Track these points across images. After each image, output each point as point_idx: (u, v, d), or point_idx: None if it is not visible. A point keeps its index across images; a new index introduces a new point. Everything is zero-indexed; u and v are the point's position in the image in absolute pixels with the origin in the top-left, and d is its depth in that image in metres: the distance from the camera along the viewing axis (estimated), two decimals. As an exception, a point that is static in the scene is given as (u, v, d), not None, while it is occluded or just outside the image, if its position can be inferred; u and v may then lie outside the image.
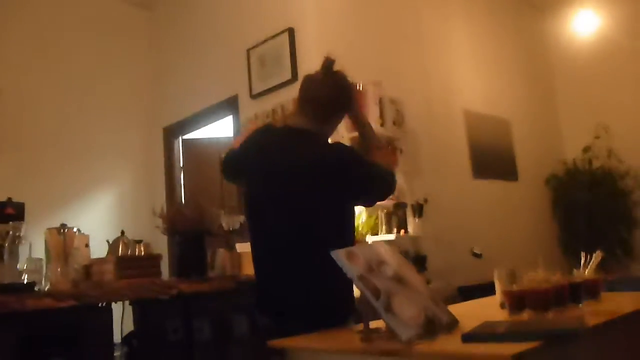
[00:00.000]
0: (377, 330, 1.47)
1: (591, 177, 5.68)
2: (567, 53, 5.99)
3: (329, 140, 2.07)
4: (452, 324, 1.52)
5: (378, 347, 1.36)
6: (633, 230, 5.56)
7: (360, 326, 1.52)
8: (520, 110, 5.74)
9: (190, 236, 2.60)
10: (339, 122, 2.09)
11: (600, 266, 2.10)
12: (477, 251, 3.08)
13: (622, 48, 5.71)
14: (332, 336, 1.59)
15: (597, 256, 2.10)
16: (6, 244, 2.38)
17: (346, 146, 2.05)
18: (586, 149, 5.74)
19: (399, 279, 1.54)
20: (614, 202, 5.53)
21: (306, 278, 1.86)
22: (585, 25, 4.86)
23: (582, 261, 2.10)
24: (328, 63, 2.00)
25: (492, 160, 5.26)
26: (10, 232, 2.41)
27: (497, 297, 2.00)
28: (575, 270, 2.06)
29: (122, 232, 2.98)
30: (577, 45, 5.32)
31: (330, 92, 1.99)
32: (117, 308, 2.65)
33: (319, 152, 1.91)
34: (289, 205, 1.89)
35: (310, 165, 1.88)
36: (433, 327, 1.41)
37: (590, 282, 1.91)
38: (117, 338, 2.69)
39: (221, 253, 2.86)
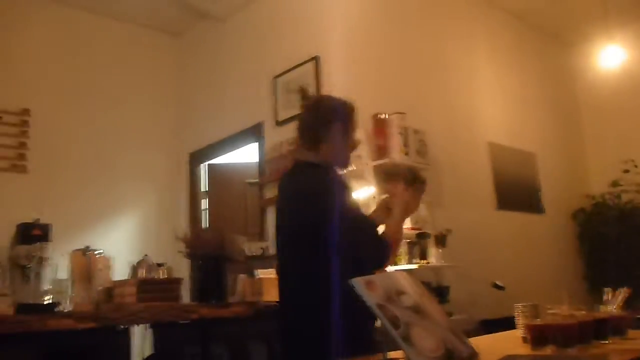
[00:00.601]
0: (395, 360, 1.45)
1: (619, 212, 5.58)
2: (594, 87, 5.96)
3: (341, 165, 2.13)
4: (473, 357, 1.49)
5: (396, 378, 1.34)
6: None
7: (379, 356, 1.50)
8: (546, 143, 5.70)
9: (210, 261, 2.61)
10: (335, 137, 2.04)
11: (628, 304, 2.05)
12: (499, 283, 3.03)
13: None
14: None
15: (623, 292, 2.06)
16: (32, 265, 2.42)
17: (323, 183, 2.00)
18: (614, 184, 5.65)
19: (418, 310, 1.52)
20: (643, 239, 5.42)
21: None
22: (611, 59, 4.82)
23: (607, 297, 2.06)
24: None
25: (517, 192, 5.20)
26: (37, 254, 2.45)
27: (519, 331, 1.97)
28: (600, 307, 2.01)
29: (145, 256, 3.01)
30: (604, 79, 5.28)
31: (307, 113, 2.13)
32: (138, 331, 2.67)
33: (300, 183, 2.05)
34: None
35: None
36: (452, 359, 1.39)
37: (616, 319, 1.87)
38: (136, 361, 2.70)
39: (242, 279, 2.87)
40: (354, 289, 1.46)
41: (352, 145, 2.10)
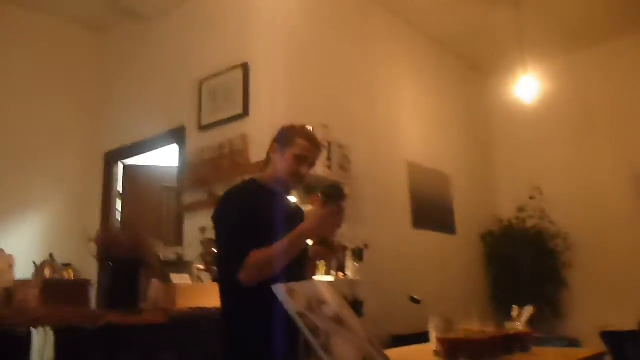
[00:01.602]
0: (313, 370, 1.44)
1: (524, 236, 5.88)
2: (508, 115, 6.29)
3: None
4: (389, 368, 1.51)
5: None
6: (560, 290, 5.77)
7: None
8: (461, 166, 5.94)
9: (124, 265, 2.50)
10: (274, 158, 2.14)
11: (531, 322, 2.16)
12: (416, 297, 3.10)
13: (559, 115, 6.05)
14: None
15: (528, 311, 2.16)
16: None
17: (228, 196, 2.10)
18: (521, 209, 5.96)
19: (338, 320, 1.52)
20: (544, 262, 5.73)
21: None
22: (525, 90, 5.11)
23: (514, 314, 2.16)
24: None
25: (432, 212, 5.37)
26: None
27: (432, 344, 2.02)
28: (507, 323, 2.10)
29: (51, 256, 2.85)
30: (517, 109, 5.58)
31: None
32: (38, 336, 2.50)
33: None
34: None
35: None
36: (370, 370, 1.40)
37: (522, 335, 1.96)
38: (34, 368, 2.52)
39: (155, 285, 2.76)
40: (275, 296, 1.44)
41: (292, 168, 2.09)
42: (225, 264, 2.05)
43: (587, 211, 5.78)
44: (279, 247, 1.90)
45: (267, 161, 2.18)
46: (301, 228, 1.93)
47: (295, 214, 2.23)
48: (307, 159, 2.12)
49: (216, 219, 2.06)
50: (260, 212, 2.01)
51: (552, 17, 5.51)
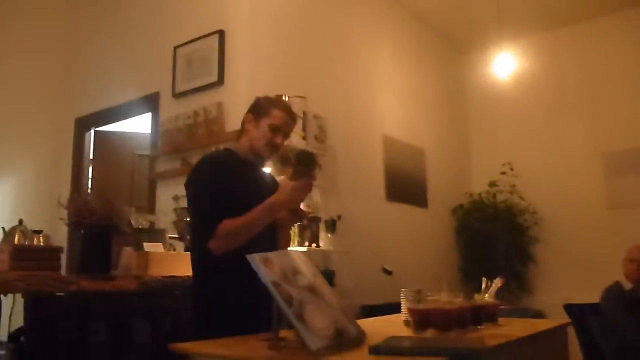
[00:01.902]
0: (285, 339, 1.46)
1: (494, 211, 5.98)
2: (484, 92, 6.33)
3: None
4: (360, 336, 1.54)
5: (286, 356, 1.35)
6: (527, 264, 5.91)
7: (269, 334, 1.50)
8: (436, 140, 5.99)
9: (96, 231, 2.47)
10: (247, 128, 2.16)
11: (498, 294, 2.21)
12: (388, 268, 3.15)
13: (533, 92, 6.12)
14: (238, 343, 1.56)
15: (497, 283, 2.21)
16: None
17: (201, 165, 2.11)
18: (492, 184, 6.05)
19: (312, 289, 1.54)
20: (512, 237, 5.85)
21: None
22: (502, 68, 5.14)
23: (483, 286, 2.21)
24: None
25: (405, 185, 5.42)
26: None
27: (402, 315, 2.06)
28: (476, 295, 2.15)
29: (20, 221, 2.80)
30: (493, 86, 5.62)
31: None
32: (7, 302, 2.48)
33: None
34: None
35: None
36: (342, 339, 1.42)
37: (490, 307, 2.01)
38: (3, 334, 2.51)
39: (127, 252, 2.74)
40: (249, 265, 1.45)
41: (266, 138, 2.10)
42: (196, 232, 2.06)
43: (557, 187, 5.90)
44: (250, 217, 1.91)
45: (242, 131, 2.19)
46: (272, 199, 1.93)
47: (270, 185, 2.23)
48: (281, 129, 2.13)
49: (189, 186, 2.07)
50: (233, 182, 2.01)
51: (529, -6, 5.53)
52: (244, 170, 2.11)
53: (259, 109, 2.14)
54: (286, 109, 2.16)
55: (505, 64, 5.12)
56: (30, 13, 5.12)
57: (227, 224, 1.90)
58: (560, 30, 6.13)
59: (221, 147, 2.25)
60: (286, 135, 2.17)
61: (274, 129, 2.10)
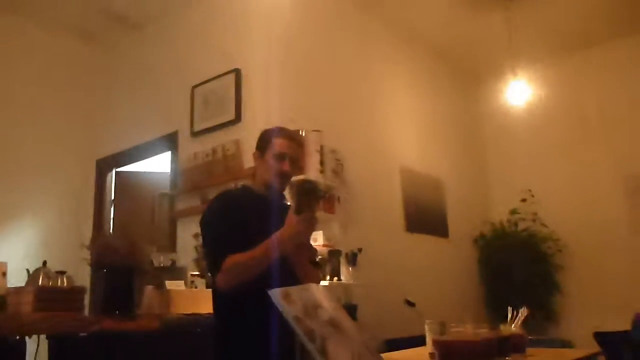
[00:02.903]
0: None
1: (516, 239, 5.90)
2: (499, 120, 6.32)
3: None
4: (385, 371, 1.51)
5: (310, 391, 1.34)
6: (553, 293, 5.79)
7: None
8: (453, 170, 5.97)
9: (119, 270, 2.49)
10: (256, 164, 2.19)
11: (525, 324, 2.17)
12: (410, 300, 3.11)
13: (550, 119, 6.10)
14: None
15: (522, 312, 2.17)
16: None
17: (214, 202, 2.13)
18: (513, 212, 5.98)
19: (334, 324, 1.52)
20: (536, 265, 5.75)
21: None
22: (516, 95, 5.15)
23: (509, 316, 2.17)
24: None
25: (425, 216, 5.39)
26: None
27: (427, 348, 2.03)
28: (501, 325, 2.11)
29: (44, 263, 2.83)
30: (509, 113, 5.62)
31: None
32: (32, 343, 2.49)
33: None
34: None
35: None
36: (366, 373, 1.40)
37: (517, 338, 1.97)
38: (28, 376, 2.51)
39: (149, 291, 2.76)
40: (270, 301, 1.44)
41: (274, 168, 2.10)
42: (209, 269, 2.07)
43: (579, 214, 5.81)
44: (256, 253, 1.90)
45: (254, 170, 2.22)
46: (277, 234, 1.91)
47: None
48: (286, 156, 2.12)
49: (202, 225, 2.08)
50: (246, 218, 2.01)
51: (541, 21, 5.56)
52: (259, 205, 2.10)
53: (261, 143, 2.17)
54: (287, 135, 2.16)
55: (520, 91, 5.13)
56: (55, 61, 5.27)
57: (233, 258, 1.90)
58: (574, 55, 6.13)
59: (239, 183, 2.27)
60: (294, 160, 2.15)
61: (279, 158, 2.10)
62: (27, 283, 2.66)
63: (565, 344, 4.84)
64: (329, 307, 1.60)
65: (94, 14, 5.11)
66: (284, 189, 2.21)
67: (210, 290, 2.13)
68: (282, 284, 1.65)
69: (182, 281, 2.95)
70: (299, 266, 2.21)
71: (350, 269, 3.97)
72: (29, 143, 4.93)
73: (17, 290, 2.46)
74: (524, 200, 5.93)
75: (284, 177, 2.10)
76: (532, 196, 5.90)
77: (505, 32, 5.19)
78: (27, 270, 2.79)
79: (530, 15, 5.38)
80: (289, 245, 1.92)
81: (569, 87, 6.16)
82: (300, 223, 1.88)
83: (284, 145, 2.12)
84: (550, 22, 5.59)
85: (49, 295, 2.34)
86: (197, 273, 3.35)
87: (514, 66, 5.15)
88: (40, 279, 2.63)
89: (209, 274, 2.15)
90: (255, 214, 2.05)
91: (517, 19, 5.24)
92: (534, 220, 5.92)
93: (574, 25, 5.67)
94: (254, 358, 1.88)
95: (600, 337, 3.51)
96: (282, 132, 2.17)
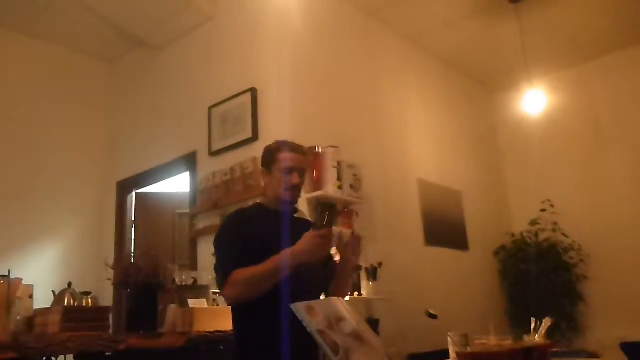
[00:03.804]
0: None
1: (537, 250, 5.85)
2: (516, 130, 6.30)
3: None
4: (409, 383, 1.52)
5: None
6: (577, 303, 5.71)
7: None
8: (471, 182, 5.95)
9: (142, 289, 2.53)
10: (265, 181, 2.22)
11: (549, 335, 2.15)
12: (432, 312, 3.09)
13: (567, 127, 6.07)
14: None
15: (546, 322, 2.15)
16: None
17: (226, 220, 2.19)
18: (533, 222, 5.93)
19: (357, 336, 1.54)
20: (559, 276, 5.69)
21: None
22: (532, 105, 5.14)
23: (532, 326, 2.15)
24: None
25: (444, 229, 5.37)
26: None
27: (451, 360, 2.02)
28: (525, 336, 2.10)
29: (69, 284, 2.88)
30: (525, 123, 5.62)
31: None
32: (59, 363, 2.53)
33: None
34: None
35: None
36: (390, 385, 1.41)
37: (542, 348, 1.95)
38: (56, 395, 2.54)
39: (172, 309, 2.78)
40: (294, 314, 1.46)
41: (283, 183, 2.13)
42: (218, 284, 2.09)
43: (601, 222, 5.75)
44: (265, 267, 1.91)
45: (264, 187, 2.25)
46: (291, 249, 1.93)
47: (304, 231, 2.25)
48: (294, 169, 2.15)
49: (215, 241, 2.11)
50: (260, 234, 2.03)
51: (555, 30, 5.56)
52: (273, 221, 2.11)
53: (266, 159, 2.20)
54: (291, 148, 2.18)
55: (535, 101, 5.12)
56: (73, 84, 5.38)
57: (241, 272, 1.92)
58: (589, 63, 6.11)
59: (253, 201, 2.30)
60: (301, 171, 2.18)
61: (287, 172, 2.13)
62: (54, 304, 2.71)
63: (592, 355, 4.75)
64: (352, 319, 1.62)
65: (113, 37, 5.23)
66: (295, 201, 2.24)
67: (230, 307, 2.15)
68: (295, 298, 1.66)
69: (205, 299, 2.98)
70: (341, 281, 2.22)
71: (370, 283, 3.96)
72: (51, 165, 5.03)
73: (44, 311, 2.50)
74: (543, 210, 5.88)
75: (295, 189, 2.16)
76: (552, 206, 5.84)
77: (518, 40, 5.20)
78: (53, 292, 2.84)
79: (544, 23, 5.39)
80: (303, 259, 1.93)
81: (585, 95, 6.14)
82: (315, 238, 1.90)
83: (290, 159, 2.15)
84: (565, 30, 5.59)
85: (75, 315, 2.38)
86: (218, 291, 3.38)
87: (529, 75, 5.15)
88: (66, 299, 2.68)
89: (218, 289, 2.17)
90: (268, 229, 2.07)
91: (530, 27, 5.25)
92: (554, 231, 5.86)
93: (588, 33, 5.66)
94: None
95: (627, 347, 3.44)
96: (286, 146, 2.19)
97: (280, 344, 1.83)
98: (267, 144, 2.26)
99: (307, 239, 1.92)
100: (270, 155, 2.18)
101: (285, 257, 1.90)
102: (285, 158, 2.14)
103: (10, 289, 2.49)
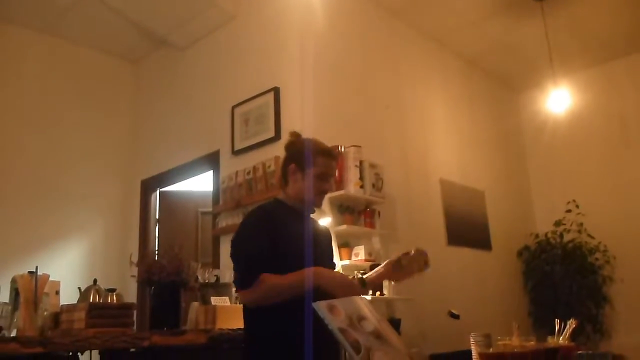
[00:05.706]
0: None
1: (562, 251, 5.77)
2: (540, 130, 6.22)
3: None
4: (431, 382, 1.51)
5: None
6: (602, 306, 5.62)
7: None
8: (495, 182, 5.89)
9: (166, 287, 2.56)
10: (293, 178, 2.15)
11: (573, 337, 2.13)
12: (455, 312, 3.08)
13: (592, 127, 5.98)
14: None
15: (570, 324, 2.14)
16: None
17: (248, 217, 2.15)
18: (558, 223, 5.85)
19: (378, 335, 1.54)
20: (584, 277, 5.60)
21: None
22: (557, 104, 5.08)
23: (557, 328, 2.14)
24: (292, 135, 2.27)
25: (467, 229, 5.33)
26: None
27: (473, 360, 2.01)
28: (549, 338, 2.08)
29: (95, 281, 2.92)
30: (549, 122, 5.55)
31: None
32: (84, 359, 2.58)
33: None
34: None
35: None
36: (412, 384, 1.41)
37: (565, 349, 1.94)
38: (81, 390, 2.59)
39: (195, 307, 2.81)
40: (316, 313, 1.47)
41: (316, 188, 2.11)
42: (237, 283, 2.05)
43: (627, 223, 5.65)
44: (291, 279, 1.90)
45: (287, 181, 2.18)
46: (321, 271, 1.94)
47: (320, 231, 2.25)
48: (329, 175, 2.15)
49: (235, 239, 2.08)
50: (281, 232, 2.01)
51: (580, 28, 5.49)
52: (292, 219, 2.11)
53: (300, 157, 2.13)
54: (329, 154, 2.16)
55: (560, 100, 5.06)
56: (99, 84, 5.47)
57: (269, 280, 1.88)
58: (615, 62, 6.02)
59: (272, 197, 2.28)
60: (332, 177, 2.19)
61: (323, 177, 2.11)
62: (79, 300, 2.76)
63: (617, 358, 4.68)
64: (373, 318, 1.62)
65: (136, 37, 5.30)
66: (321, 206, 2.24)
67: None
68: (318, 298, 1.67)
69: (227, 297, 3.00)
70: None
71: (392, 283, 3.95)
72: (77, 165, 5.11)
73: (70, 307, 2.54)
74: (568, 211, 5.80)
75: (324, 195, 2.15)
76: (577, 207, 5.76)
77: (543, 39, 5.13)
78: (79, 288, 2.89)
79: (569, 21, 5.32)
80: (327, 289, 1.89)
81: (610, 94, 6.05)
82: (344, 283, 1.94)
83: (327, 165, 2.13)
84: (591, 28, 5.52)
85: (100, 312, 2.42)
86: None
87: (555, 74, 5.08)
88: (92, 296, 2.72)
89: (235, 288, 2.16)
90: (292, 228, 2.06)
91: (556, 25, 5.18)
92: (579, 232, 5.78)
93: (612, 31, 5.58)
94: None
95: (654, 350, 3.39)
96: (325, 150, 2.16)
97: (301, 342, 1.83)
98: (301, 139, 2.22)
99: (338, 278, 1.97)
100: (306, 154, 2.13)
101: (309, 274, 1.89)
102: (324, 164, 2.12)
103: (37, 285, 2.54)
